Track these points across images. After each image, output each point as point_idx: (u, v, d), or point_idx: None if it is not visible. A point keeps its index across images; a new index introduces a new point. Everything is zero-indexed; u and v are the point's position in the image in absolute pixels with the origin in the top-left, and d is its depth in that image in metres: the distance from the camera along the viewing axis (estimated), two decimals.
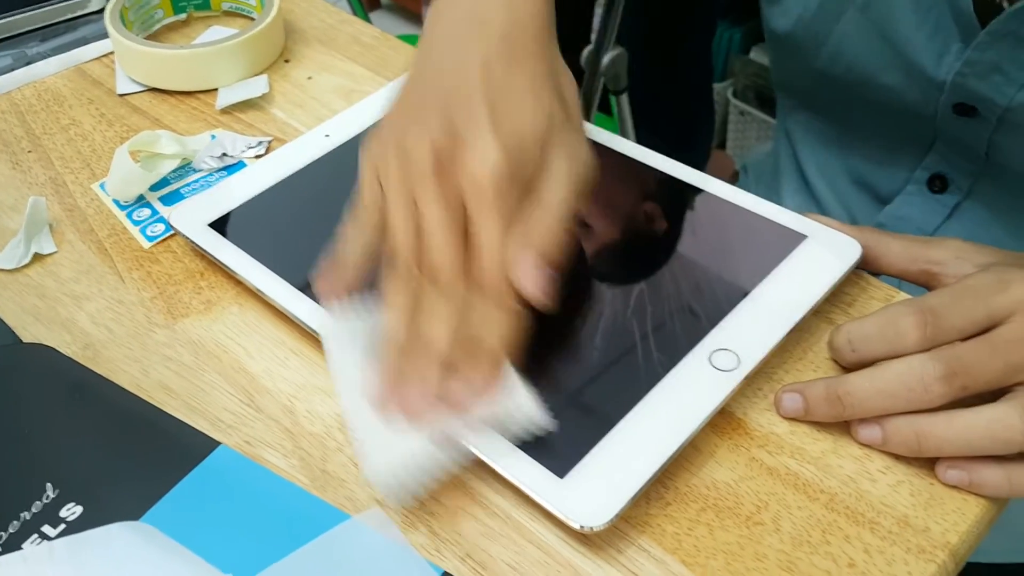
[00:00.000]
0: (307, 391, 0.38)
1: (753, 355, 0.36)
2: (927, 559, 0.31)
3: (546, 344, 0.37)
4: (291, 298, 0.40)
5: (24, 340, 0.40)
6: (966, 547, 0.32)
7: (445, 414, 0.33)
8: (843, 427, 0.35)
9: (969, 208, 0.53)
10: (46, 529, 0.33)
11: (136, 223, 0.47)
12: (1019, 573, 0.57)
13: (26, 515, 0.33)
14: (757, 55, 1.57)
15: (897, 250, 0.39)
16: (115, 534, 0.32)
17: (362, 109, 0.51)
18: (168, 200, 0.48)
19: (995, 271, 0.35)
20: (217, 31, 0.61)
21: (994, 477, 0.33)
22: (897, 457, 0.34)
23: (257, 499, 0.34)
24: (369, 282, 0.36)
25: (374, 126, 0.49)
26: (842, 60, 0.53)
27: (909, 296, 0.38)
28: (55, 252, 0.45)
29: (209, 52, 0.54)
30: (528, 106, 0.36)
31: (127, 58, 0.56)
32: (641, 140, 0.47)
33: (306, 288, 0.40)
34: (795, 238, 0.40)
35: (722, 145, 1.68)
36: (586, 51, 1.09)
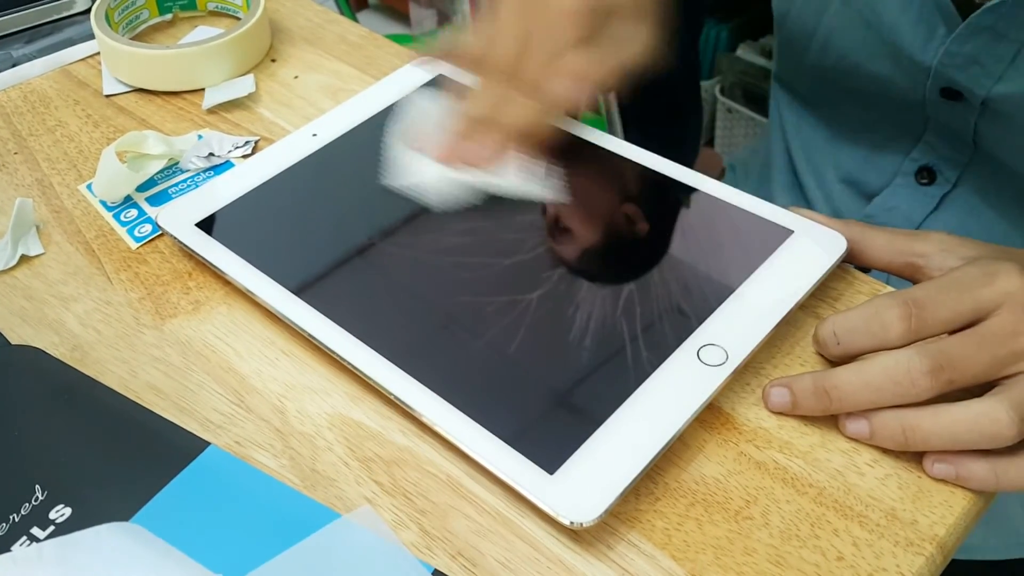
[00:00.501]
0: (297, 391, 0.38)
1: (741, 350, 0.36)
2: (915, 552, 0.32)
3: (534, 341, 0.37)
4: (280, 298, 0.40)
5: (12, 342, 0.40)
6: (954, 540, 0.32)
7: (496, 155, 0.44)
8: (831, 421, 0.35)
9: (956, 198, 0.54)
10: (35, 531, 0.33)
11: (123, 224, 0.46)
12: (1013, 570, 0.58)
13: (15, 517, 0.33)
14: (744, 52, 1.58)
15: (881, 243, 0.40)
16: (104, 535, 0.32)
17: (349, 108, 0.51)
18: (155, 200, 0.48)
19: (981, 264, 0.35)
20: (203, 31, 0.61)
21: (981, 471, 0.33)
22: (885, 451, 0.34)
23: (247, 499, 0.34)
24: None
25: (362, 125, 0.49)
26: (832, 51, 0.53)
27: (895, 289, 0.39)
28: (42, 254, 0.45)
29: (195, 52, 0.54)
30: None
31: (113, 59, 0.56)
32: (628, 138, 0.47)
33: (295, 287, 0.40)
34: (782, 233, 0.41)
35: (710, 143, 1.68)
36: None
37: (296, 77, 0.57)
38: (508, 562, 0.32)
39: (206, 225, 0.44)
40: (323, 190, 0.46)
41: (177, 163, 0.50)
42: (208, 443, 0.35)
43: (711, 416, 0.36)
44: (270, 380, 0.38)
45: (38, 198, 0.48)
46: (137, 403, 0.37)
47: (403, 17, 2.16)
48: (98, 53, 0.59)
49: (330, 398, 0.38)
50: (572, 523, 0.31)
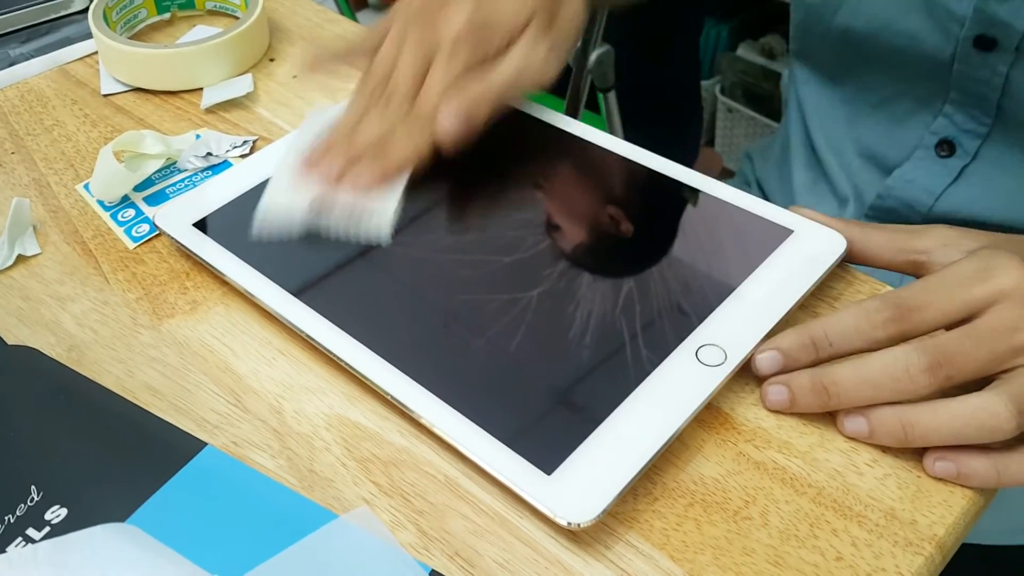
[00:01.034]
0: (294, 391, 0.38)
1: (739, 351, 0.36)
2: (914, 552, 0.31)
3: (533, 340, 0.37)
4: (278, 298, 0.40)
5: (8, 342, 0.40)
6: (953, 539, 0.32)
7: (332, 187, 0.42)
8: (830, 421, 0.35)
9: (976, 170, 0.54)
10: (31, 532, 0.32)
11: (121, 224, 0.46)
12: (1015, 556, 0.58)
13: (10, 518, 0.33)
14: (745, 52, 1.58)
15: (882, 242, 0.40)
16: (100, 536, 0.32)
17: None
18: (153, 200, 0.48)
19: (978, 259, 0.35)
20: (201, 30, 0.61)
21: (982, 467, 0.33)
22: (884, 450, 0.34)
23: (244, 500, 0.34)
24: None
25: None
26: (862, 11, 0.53)
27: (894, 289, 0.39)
28: (39, 253, 0.45)
29: (193, 51, 0.54)
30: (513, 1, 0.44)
31: (111, 58, 0.56)
32: (629, 138, 0.47)
33: (293, 287, 0.40)
34: (781, 233, 0.40)
35: (710, 142, 1.68)
36: (574, 49, 1.09)
37: (295, 76, 0.57)
38: (506, 563, 0.32)
39: (204, 225, 0.44)
40: None
41: (175, 163, 0.50)
42: (205, 443, 0.35)
43: (710, 416, 0.36)
44: (267, 380, 0.38)
45: (35, 198, 0.48)
46: (134, 403, 0.37)
47: None
48: (96, 52, 0.59)
49: (327, 398, 0.37)
50: (569, 524, 0.31)
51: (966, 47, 0.50)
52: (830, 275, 0.39)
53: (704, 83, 1.54)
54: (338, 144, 0.43)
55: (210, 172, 0.49)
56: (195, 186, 0.48)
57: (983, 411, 0.32)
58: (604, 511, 0.31)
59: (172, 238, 0.43)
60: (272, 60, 0.58)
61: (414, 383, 0.36)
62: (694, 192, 0.44)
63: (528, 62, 0.44)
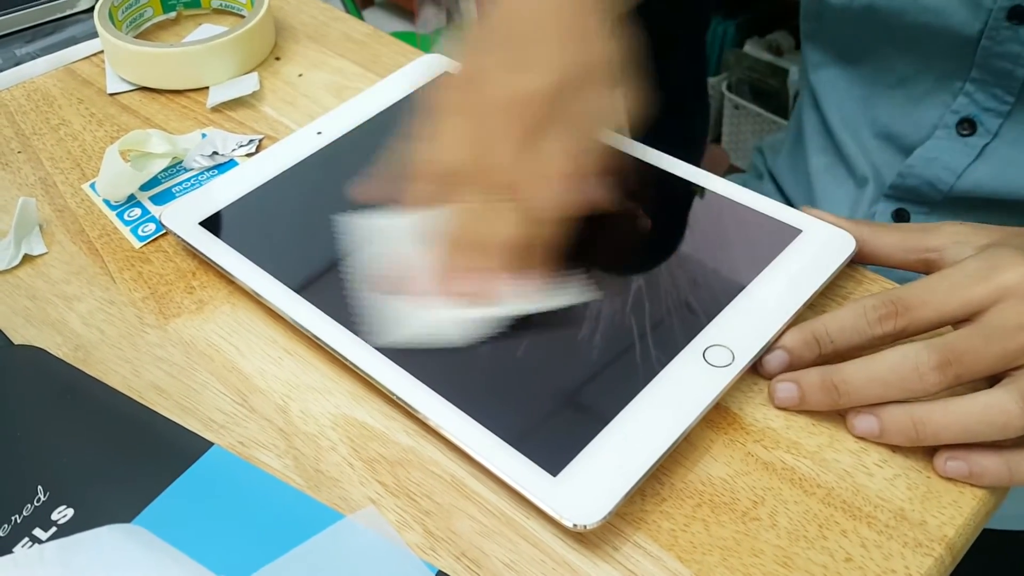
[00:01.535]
0: (300, 390, 0.38)
1: (747, 351, 0.35)
2: (924, 553, 0.31)
3: (538, 341, 0.37)
4: (284, 297, 0.39)
5: (15, 342, 0.40)
6: (963, 540, 0.32)
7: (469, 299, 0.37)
8: (839, 421, 0.35)
9: (997, 148, 0.54)
10: (37, 532, 0.32)
11: (127, 223, 0.46)
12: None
13: (17, 518, 0.33)
14: (751, 48, 1.57)
15: (892, 241, 0.39)
16: (106, 537, 0.31)
17: (354, 106, 0.51)
18: (159, 199, 0.48)
19: (983, 257, 0.35)
20: (207, 29, 0.61)
21: (993, 465, 0.33)
22: (894, 450, 0.34)
23: (250, 500, 0.34)
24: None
25: (367, 122, 0.49)
26: None
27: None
28: (45, 253, 0.45)
29: (199, 50, 0.54)
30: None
31: (117, 57, 0.56)
32: (635, 136, 0.47)
33: (299, 287, 0.40)
34: (790, 233, 0.40)
35: (717, 140, 1.67)
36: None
37: (300, 75, 0.56)
38: (513, 563, 0.32)
39: (210, 224, 0.44)
40: (327, 188, 0.46)
41: (181, 162, 0.50)
42: (211, 443, 0.35)
43: (718, 416, 0.36)
44: (274, 380, 0.38)
45: (41, 197, 0.48)
46: (140, 403, 0.37)
47: (410, 15, 2.16)
48: (102, 51, 0.59)
49: (334, 398, 0.37)
50: (575, 525, 0.31)
51: (998, 19, 0.49)
52: (840, 275, 0.39)
53: (711, 80, 1.54)
54: (460, 254, 0.38)
55: (216, 171, 0.49)
56: (201, 185, 0.48)
57: (994, 408, 0.32)
58: (609, 513, 0.31)
59: (178, 237, 0.43)
60: (278, 59, 0.58)
61: (420, 383, 0.35)
62: (702, 191, 0.43)
63: (614, 110, 0.42)
